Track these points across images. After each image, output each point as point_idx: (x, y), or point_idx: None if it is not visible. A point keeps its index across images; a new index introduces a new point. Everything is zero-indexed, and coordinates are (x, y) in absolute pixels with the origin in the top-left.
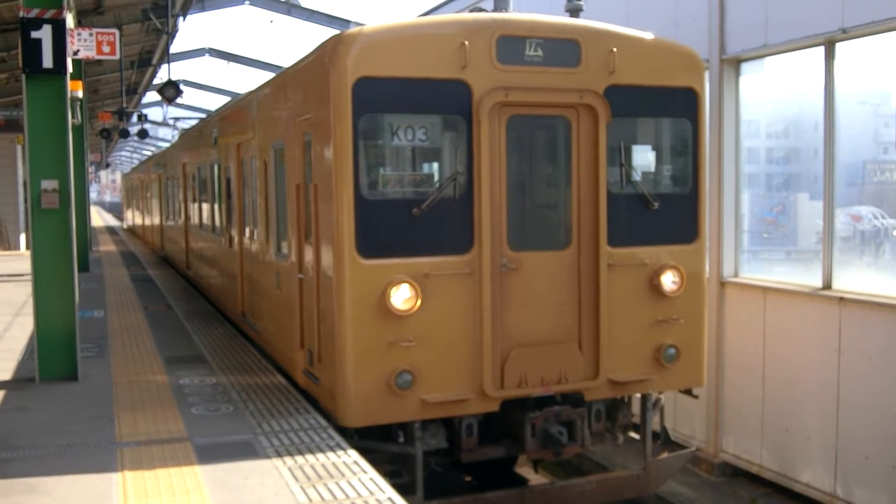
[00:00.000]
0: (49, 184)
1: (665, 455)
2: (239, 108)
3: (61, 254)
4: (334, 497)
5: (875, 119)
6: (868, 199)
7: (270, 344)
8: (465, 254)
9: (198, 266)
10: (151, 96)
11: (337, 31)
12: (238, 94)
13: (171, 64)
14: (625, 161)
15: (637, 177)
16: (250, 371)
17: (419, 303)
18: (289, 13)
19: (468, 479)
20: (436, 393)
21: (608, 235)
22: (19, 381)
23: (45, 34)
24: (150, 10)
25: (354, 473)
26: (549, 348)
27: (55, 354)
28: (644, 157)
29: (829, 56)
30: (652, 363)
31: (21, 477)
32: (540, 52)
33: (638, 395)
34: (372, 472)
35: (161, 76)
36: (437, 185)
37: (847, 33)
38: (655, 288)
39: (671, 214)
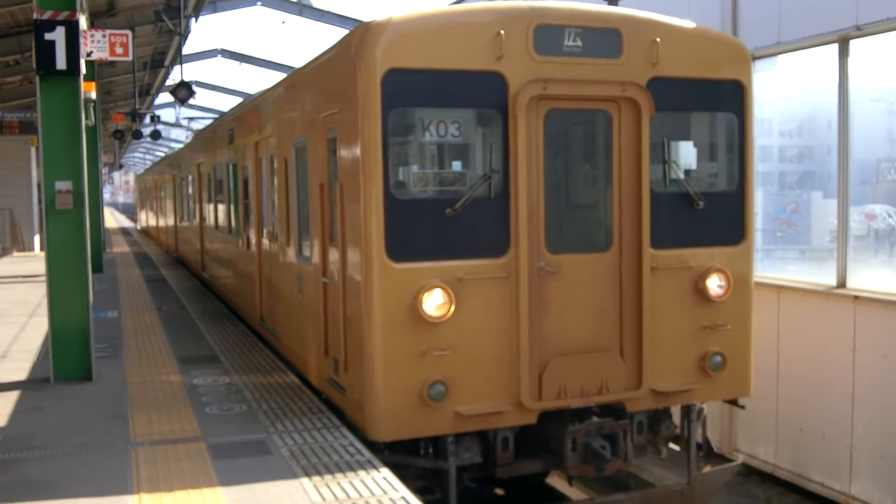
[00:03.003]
0: (63, 185)
1: (709, 469)
2: (257, 106)
3: (75, 254)
4: (348, 496)
5: (889, 117)
6: (882, 198)
7: (291, 350)
8: (501, 257)
9: (213, 268)
10: (164, 97)
11: (348, 31)
12: (250, 94)
13: (184, 65)
14: (668, 158)
15: (681, 174)
16: (263, 371)
17: (453, 309)
18: (300, 14)
19: (499, 492)
20: (470, 405)
21: (651, 237)
22: (34, 382)
23: (58, 36)
24: (162, 11)
25: (368, 472)
26: (589, 357)
27: (70, 355)
28: (688, 154)
29: (843, 53)
30: (697, 372)
31: (37, 476)
32: (579, 43)
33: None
34: (385, 472)
35: (174, 77)
36: (471, 183)
37: (861, 30)
38: (701, 292)
39: (717, 214)
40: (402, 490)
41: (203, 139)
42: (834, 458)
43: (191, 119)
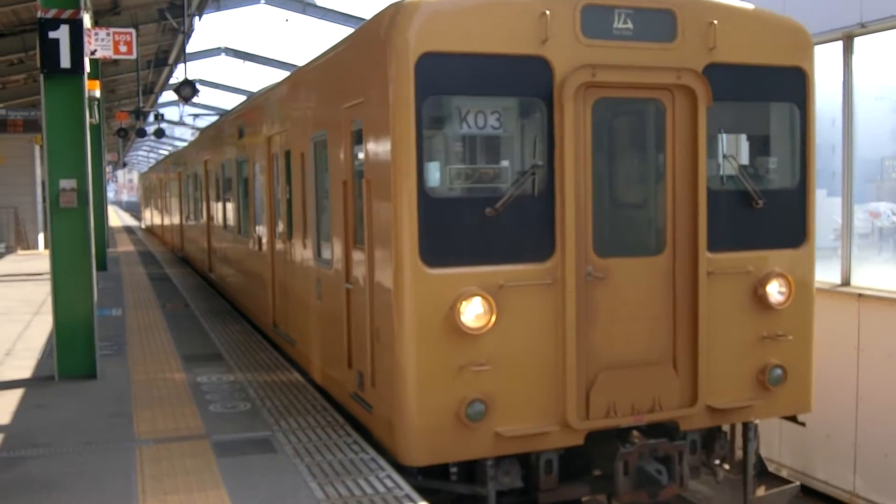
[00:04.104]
0: (67, 183)
1: (765, 491)
2: (270, 99)
3: (79, 252)
4: (352, 494)
5: (894, 114)
6: (886, 196)
7: (309, 360)
8: (546, 261)
9: (221, 269)
10: (168, 96)
11: (351, 30)
12: (253, 92)
13: (188, 63)
14: (726, 152)
15: (739, 170)
16: (267, 369)
17: (493, 319)
18: (304, 12)
19: None
20: (512, 425)
21: (707, 238)
22: (39, 380)
23: (62, 34)
24: (166, 9)
25: (372, 470)
26: (640, 371)
27: (74, 352)
28: (746, 148)
29: (848, 51)
30: (755, 386)
31: (40, 475)
32: (630, 25)
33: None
34: (389, 470)
35: (177, 75)
36: (513, 180)
37: (866, 28)
38: (760, 299)
39: (777, 213)
40: (406, 488)
41: (210, 135)
42: (839, 457)
43: (196, 116)
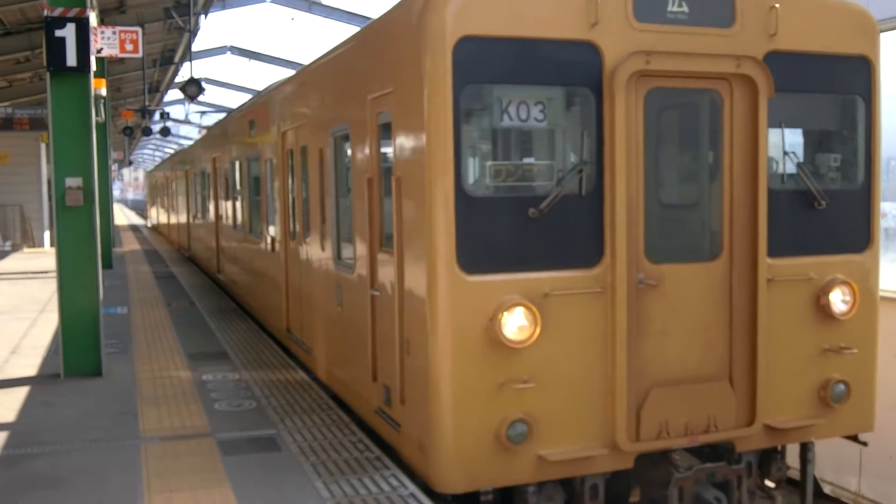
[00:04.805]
0: (73, 181)
1: None
2: (284, 92)
3: (85, 250)
4: (357, 493)
5: None
6: (893, 196)
7: (326, 370)
8: (594, 267)
9: (231, 270)
10: (174, 94)
11: (357, 29)
12: (266, 87)
13: (193, 62)
14: (787, 148)
15: (800, 168)
16: (272, 367)
17: (538, 331)
18: (310, 10)
19: None
20: (556, 448)
21: (767, 242)
22: (45, 377)
23: (68, 33)
24: (172, 8)
25: (377, 469)
26: (694, 387)
27: (80, 350)
28: (808, 144)
29: None
30: (816, 403)
31: (47, 471)
32: (685, 8)
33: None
34: (395, 468)
35: (183, 74)
36: (558, 178)
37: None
38: (822, 309)
39: (840, 215)
40: (412, 487)
41: (220, 132)
42: (844, 458)
43: (203, 113)
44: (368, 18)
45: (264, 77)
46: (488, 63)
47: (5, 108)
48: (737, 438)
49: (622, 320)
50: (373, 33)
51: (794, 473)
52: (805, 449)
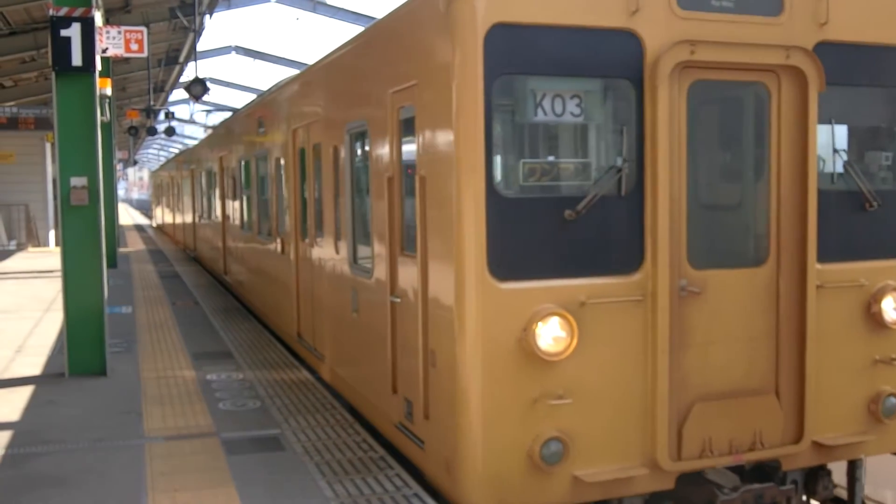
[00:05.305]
0: (78, 181)
1: None
2: (295, 88)
3: (90, 250)
4: (361, 493)
5: None
6: None
7: (340, 378)
8: (634, 273)
9: (238, 272)
10: (179, 94)
11: (360, 28)
12: (263, 91)
13: (198, 62)
14: (838, 146)
15: (850, 167)
16: (276, 367)
17: (574, 343)
18: (314, 10)
19: None
20: (593, 467)
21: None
22: (49, 377)
23: (74, 32)
24: (177, 8)
25: (381, 469)
26: (739, 402)
27: (84, 350)
28: (858, 141)
29: None
30: (866, 418)
31: (51, 471)
32: None
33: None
34: (399, 468)
35: (188, 74)
36: (596, 177)
37: None
38: (873, 317)
39: (892, 217)
40: (415, 486)
41: (226, 130)
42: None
43: (209, 112)
44: (373, 18)
45: (269, 77)
46: (522, 53)
47: (11, 107)
48: (783, 456)
49: (664, 330)
50: (395, 22)
51: (839, 491)
52: (853, 466)
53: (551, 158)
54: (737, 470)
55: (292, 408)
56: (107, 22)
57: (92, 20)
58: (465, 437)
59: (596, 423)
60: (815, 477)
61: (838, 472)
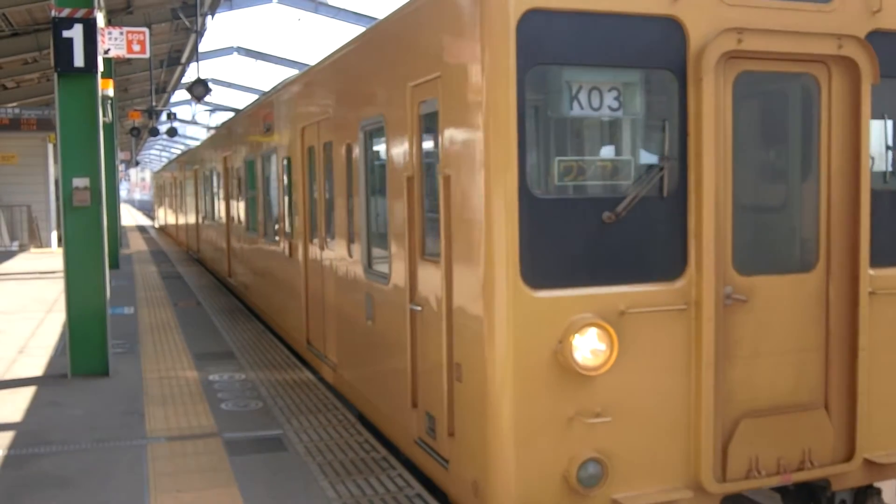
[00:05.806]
0: (81, 181)
1: None
2: (304, 84)
3: (92, 251)
4: (363, 493)
5: None
6: None
7: (354, 389)
8: (677, 279)
9: (244, 275)
10: (180, 95)
11: (362, 28)
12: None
13: (200, 62)
14: (891, 142)
15: None
16: (279, 367)
17: (614, 356)
18: (316, 11)
19: None
20: (633, 490)
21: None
22: (52, 377)
23: (76, 33)
24: (179, 9)
25: (383, 469)
26: (787, 418)
27: (87, 350)
28: None
29: None
30: None
31: (54, 471)
32: None
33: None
34: (401, 469)
35: (190, 75)
36: (637, 176)
37: None
38: None
39: None
40: (417, 487)
41: (230, 129)
42: None
43: (211, 111)
44: (375, 19)
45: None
46: (557, 41)
47: (13, 108)
48: (833, 475)
49: (709, 341)
50: (415, 10)
51: None
52: None
53: (589, 156)
54: (779, 489)
55: (294, 408)
56: (109, 23)
57: (94, 21)
58: (495, 458)
59: (636, 442)
60: (863, 496)
61: (888, 491)
